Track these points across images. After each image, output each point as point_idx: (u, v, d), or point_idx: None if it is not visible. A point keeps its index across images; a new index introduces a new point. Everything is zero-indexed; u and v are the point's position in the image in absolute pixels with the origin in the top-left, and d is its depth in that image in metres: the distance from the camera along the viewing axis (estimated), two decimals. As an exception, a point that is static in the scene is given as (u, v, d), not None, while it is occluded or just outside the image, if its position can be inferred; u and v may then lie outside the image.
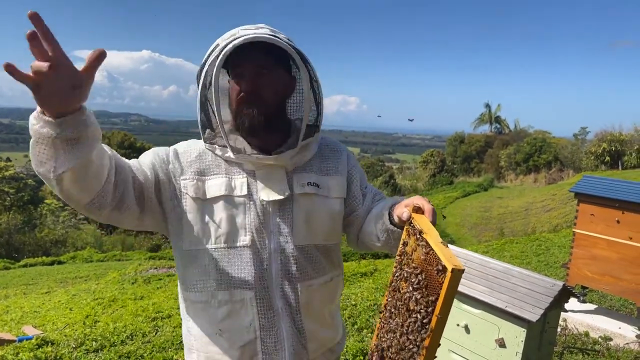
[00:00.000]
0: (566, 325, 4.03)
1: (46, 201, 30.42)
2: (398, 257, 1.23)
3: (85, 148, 1.02)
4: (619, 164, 24.76)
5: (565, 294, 2.30)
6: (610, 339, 3.81)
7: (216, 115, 1.28)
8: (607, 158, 25.24)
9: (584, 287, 4.35)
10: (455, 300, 2.41)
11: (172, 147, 1.38)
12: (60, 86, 0.93)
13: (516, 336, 2.21)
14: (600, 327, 3.97)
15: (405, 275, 1.18)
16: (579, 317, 4.13)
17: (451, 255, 1.04)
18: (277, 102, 1.35)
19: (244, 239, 1.29)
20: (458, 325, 2.42)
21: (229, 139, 1.32)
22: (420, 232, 1.14)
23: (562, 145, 32.47)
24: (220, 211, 1.29)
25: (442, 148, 45.57)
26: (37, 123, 0.98)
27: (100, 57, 0.94)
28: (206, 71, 1.28)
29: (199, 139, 1.40)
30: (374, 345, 1.29)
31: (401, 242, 1.23)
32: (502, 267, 2.47)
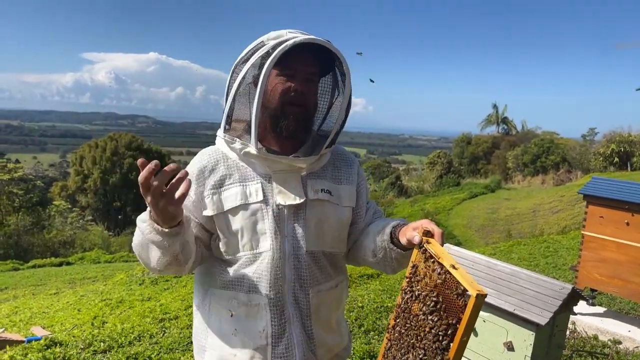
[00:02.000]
0: (575, 329, 3.99)
1: (54, 202, 30.67)
2: (407, 279, 1.26)
3: (181, 239, 1.23)
4: (628, 165, 24.55)
5: (574, 297, 2.28)
6: (620, 342, 3.77)
7: (254, 109, 1.26)
8: (616, 159, 25.04)
9: (593, 290, 4.31)
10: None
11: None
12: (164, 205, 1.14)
13: (524, 339, 2.19)
14: (609, 330, 3.94)
15: (418, 296, 1.21)
16: (588, 320, 4.09)
17: (472, 280, 1.09)
18: (314, 111, 1.40)
19: (264, 245, 1.32)
20: (466, 328, 2.41)
21: (243, 138, 1.34)
22: (436, 257, 1.18)
23: (570, 146, 32.24)
24: (239, 221, 1.32)
25: (448, 149, 45.39)
26: (149, 232, 1.20)
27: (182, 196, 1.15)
28: (253, 64, 1.29)
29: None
30: None
31: (410, 264, 1.26)
32: (510, 270, 2.45)
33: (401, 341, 1.24)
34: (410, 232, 1.25)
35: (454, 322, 1.10)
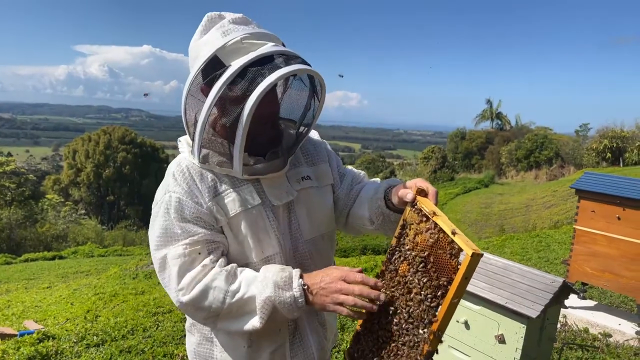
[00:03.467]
0: (566, 322, 4.03)
1: (47, 196, 30.51)
2: (396, 239, 1.21)
3: None
4: (620, 160, 24.71)
5: (565, 291, 2.29)
6: (610, 336, 3.81)
7: (240, 139, 1.16)
8: (609, 155, 25.19)
9: (584, 284, 4.35)
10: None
11: (178, 197, 1.25)
12: None
13: (516, 332, 2.21)
14: (600, 323, 3.98)
15: (407, 257, 1.15)
16: (578, 314, 4.13)
17: (467, 239, 1.03)
18: (278, 113, 1.36)
19: (271, 248, 1.30)
20: (458, 321, 2.42)
21: (222, 165, 1.25)
22: (430, 215, 1.12)
23: (563, 142, 32.40)
24: (243, 227, 1.27)
25: (443, 144, 45.52)
26: (292, 308, 1.17)
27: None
28: (221, 98, 1.15)
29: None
30: (361, 329, 1.26)
31: (400, 223, 1.21)
32: (502, 264, 2.47)
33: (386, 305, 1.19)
34: (403, 190, 1.23)
35: (444, 283, 1.05)
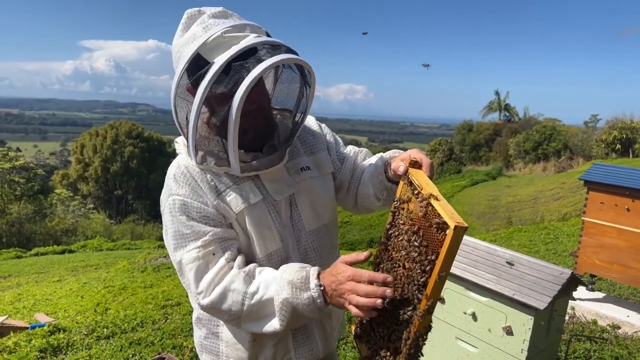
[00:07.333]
0: (574, 314, 4.02)
1: (56, 191, 30.78)
2: (392, 213, 1.19)
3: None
4: (630, 151, 24.47)
5: (573, 282, 2.28)
6: (619, 327, 3.79)
7: (232, 137, 1.14)
8: (618, 146, 24.95)
9: (592, 276, 4.33)
10: (462, 288, 2.41)
11: (183, 199, 1.24)
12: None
13: (523, 324, 2.20)
14: (608, 315, 3.96)
15: (401, 232, 1.13)
16: (587, 306, 4.12)
17: (453, 212, 1.00)
18: (270, 107, 1.33)
19: (274, 244, 1.29)
20: (465, 313, 2.42)
21: (219, 164, 1.23)
22: (420, 188, 1.09)
23: (572, 133, 32.11)
24: (248, 223, 1.26)
25: (450, 136, 45.29)
26: (311, 309, 1.14)
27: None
28: (209, 97, 1.13)
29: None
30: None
31: (396, 197, 1.19)
32: (509, 255, 2.46)
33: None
34: (396, 163, 1.21)
35: (433, 258, 1.02)
